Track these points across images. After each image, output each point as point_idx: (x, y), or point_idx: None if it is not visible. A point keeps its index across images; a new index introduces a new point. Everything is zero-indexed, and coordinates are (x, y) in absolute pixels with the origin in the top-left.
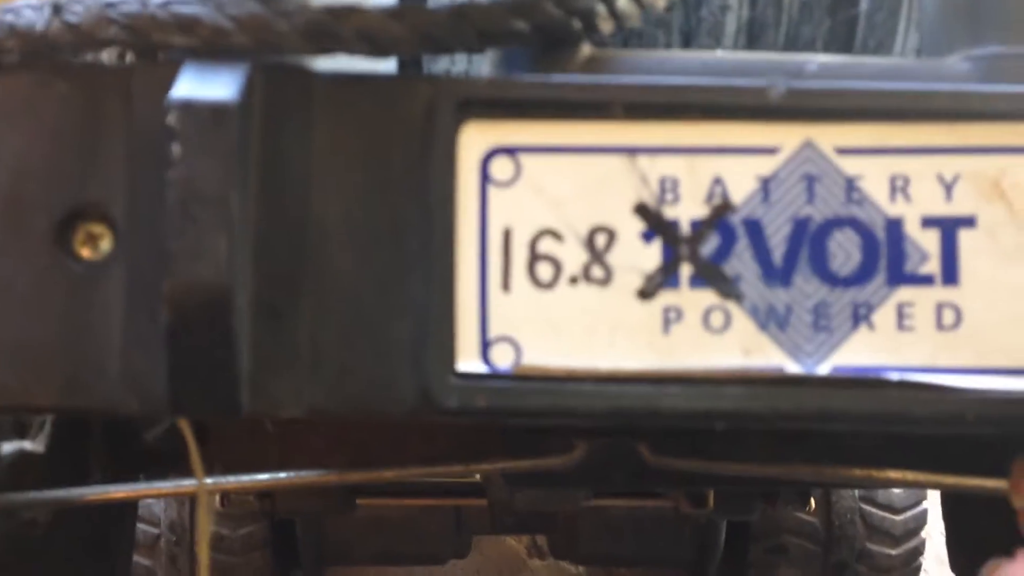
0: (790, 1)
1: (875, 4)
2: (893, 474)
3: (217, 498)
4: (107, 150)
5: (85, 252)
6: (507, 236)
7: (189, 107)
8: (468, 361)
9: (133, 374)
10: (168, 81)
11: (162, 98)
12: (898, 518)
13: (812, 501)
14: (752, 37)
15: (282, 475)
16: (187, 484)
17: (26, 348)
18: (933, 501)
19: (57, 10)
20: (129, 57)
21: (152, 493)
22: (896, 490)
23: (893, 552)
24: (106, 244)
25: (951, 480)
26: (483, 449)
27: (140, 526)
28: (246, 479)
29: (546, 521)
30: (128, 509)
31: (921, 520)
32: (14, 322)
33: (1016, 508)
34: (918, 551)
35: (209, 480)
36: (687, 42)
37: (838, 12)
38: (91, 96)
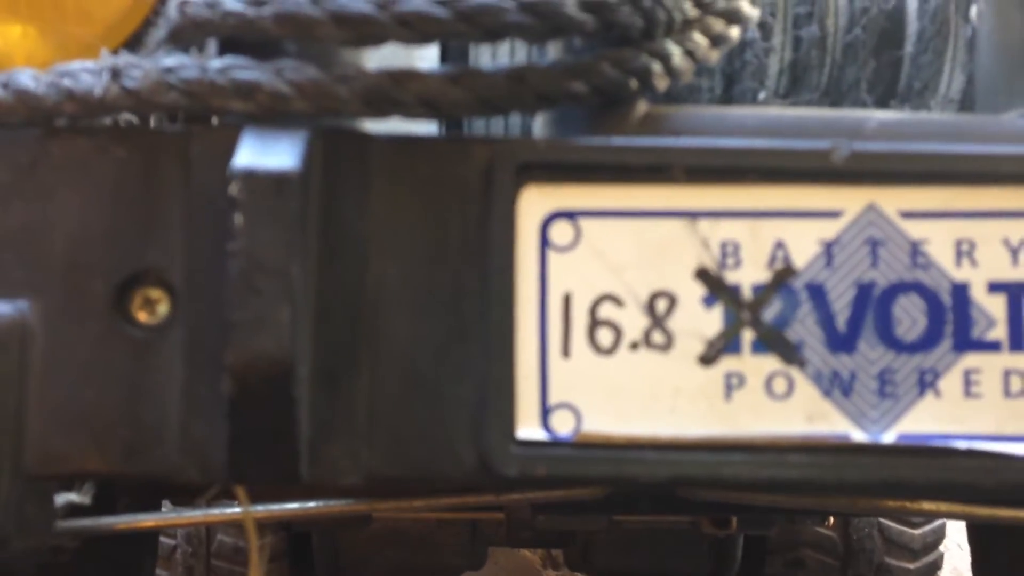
0: (834, 43)
1: (920, 46)
2: (927, 505)
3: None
4: (165, 215)
5: (143, 317)
6: (567, 301)
7: (251, 177)
8: (528, 428)
9: (192, 441)
10: (226, 146)
11: (220, 163)
12: (916, 532)
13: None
14: (795, 79)
15: (322, 503)
16: (232, 512)
17: (85, 414)
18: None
19: (115, 74)
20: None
21: (190, 521)
22: None
23: (911, 566)
24: (164, 308)
25: (985, 511)
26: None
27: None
28: (288, 507)
29: (562, 535)
30: (151, 535)
31: (939, 534)
32: (71, 387)
33: None
34: (936, 565)
35: (258, 508)
36: (730, 84)
37: (882, 54)
38: (149, 160)
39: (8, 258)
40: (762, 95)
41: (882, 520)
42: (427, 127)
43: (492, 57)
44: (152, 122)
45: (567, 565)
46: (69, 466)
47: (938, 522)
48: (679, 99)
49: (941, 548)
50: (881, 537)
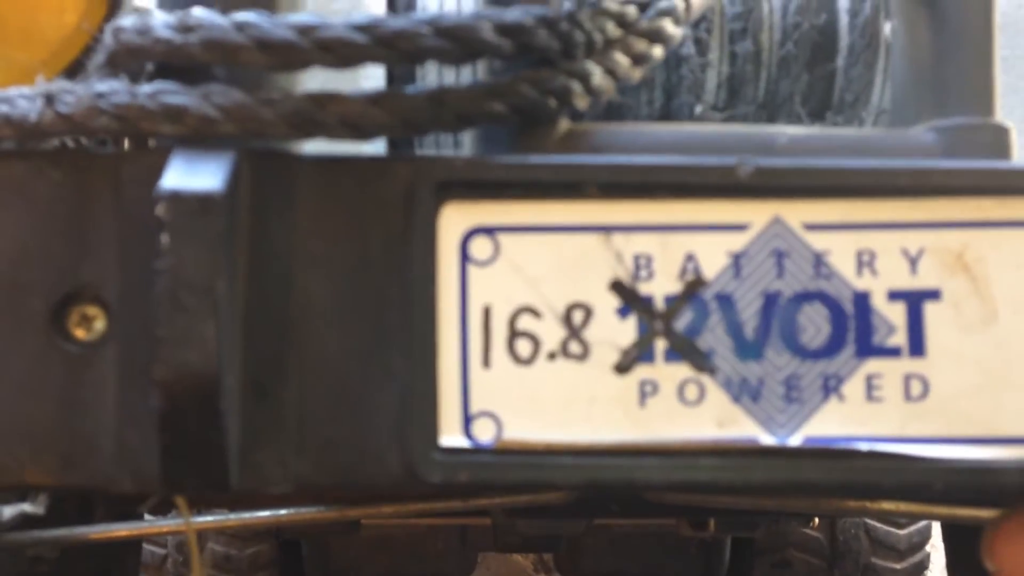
0: (769, 57)
1: (851, 59)
2: (887, 505)
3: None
4: (99, 234)
5: (79, 333)
6: (487, 314)
7: (177, 198)
8: (451, 436)
9: (127, 453)
10: (157, 167)
11: (151, 183)
12: (902, 532)
13: (815, 517)
14: (732, 92)
15: (281, 512)
16: (176, 523)
17: (22, 428)
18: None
19: (50, 100)
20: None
21: (150, 532)
22: None
23: (898, 566)
24: (100, 325)
25: (944, 511)
26: None
27: (147, 547)
28: (238, 517)
29: (550, 540)
30: (132, 545)
31: (925, 534)
32: (10, 402)
33: (990, 572)
34: (923, 565)
35: (197, 519)
36: (669, 98)
37: (815, 67)
38: (83, 182)
39: None
40: (699, 108)
41: (868, 521)
42: (376, 147)
43: (438, 76)
44: (86, 144)
45: (557, 569)
46: (8, 478)
47: (923, 522)
48: (618, 113)
49: (927, 548)
50: (867, 537)
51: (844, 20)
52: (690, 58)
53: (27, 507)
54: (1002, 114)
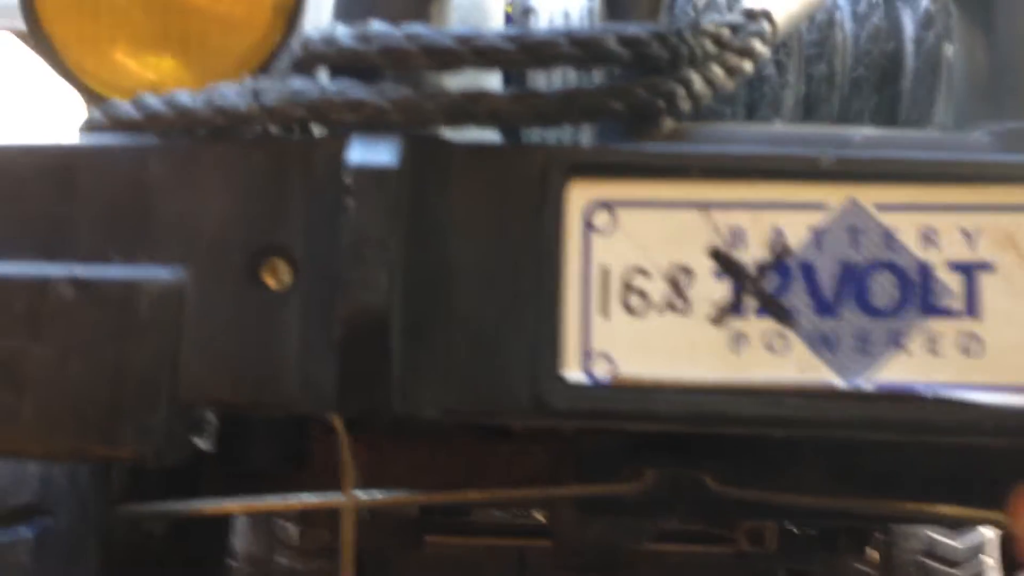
0: (842, 79)
1: (916, 81)
2: (943, 508)
3: (297, 533)
4: (290, 203)
5: (271, 283)
6: (605, 273)
7: (361, 170)
8: (574, 372)
9: (307, 379)
10: (339, 151)
11: (334, 163)
12: (958, 572)
13: (873, 553)
14: (808, 110)
15: (414, 493)
16: (334, 498)
17: (225, 357)
18: (993, 550)
19: (256, 94)
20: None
21: (276, 507)
22: (956, 543)
23: None
24: (287, 277)
25: (997, 516)
26: (558, 478)
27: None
28: (388, 494)
29: (608, 562)
30: (226, 527)
31: (979, 568)
32: (215, 336)
33: (1017, 534)
34: None
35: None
36: (750, 114)
37: (884, 88)
38: (279, 161)
39: (169, 236)
40: (777, 123)
41: (924, 559)
42: (490, 135)
43: (547, 81)
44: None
45: None
46: (211, 396)
47: (978, 559)
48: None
49: None
50: (921, 572)
51: (910, 48)
52: (770, 78)
53: (200, 442)
54: None
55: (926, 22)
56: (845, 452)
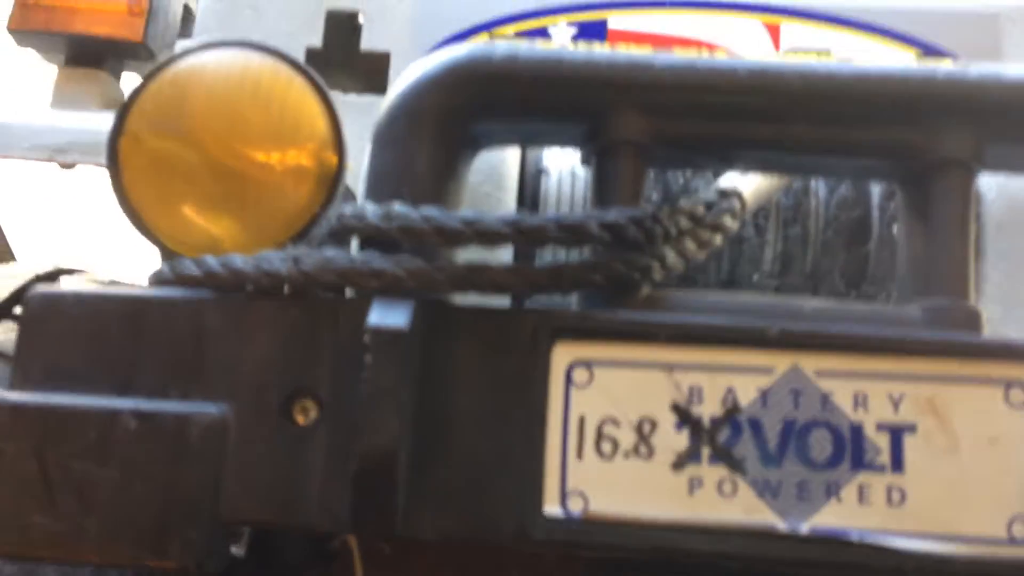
0: (815, 238)
1: (880, 244)
2: None
3: None
4: (319, 353)
5: (300, 419)
6: (582, 421)
7: (378, 331)
8: (552, 507)
9: (327, 504)
10: (362, 310)
11: (358, 321)
12: None
13: None
14: (784, 264)
15: None
16: None
17: (260, 483)
18: None
19: (296, 261)
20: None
21: None
22: None
23: None
24: (314, 414)
25: None
26: None
27: None
28: None
29: None
30: None
31: None
32: (251, 464)
33: None
34: None
35: None
36: (733, 267)
37: (852, 249)
38: (312, 317)
39: (218, 376)
40: (756, 277)
41: None
42: (501, 300)
43: (552, 253)
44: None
45: None
46: (246, 516)
47: None
48: (693, 278)
49: None
50: None
51: (875, 215)
52: (751, 238)
53: (235, 550)
54: None
55: (889, 194)
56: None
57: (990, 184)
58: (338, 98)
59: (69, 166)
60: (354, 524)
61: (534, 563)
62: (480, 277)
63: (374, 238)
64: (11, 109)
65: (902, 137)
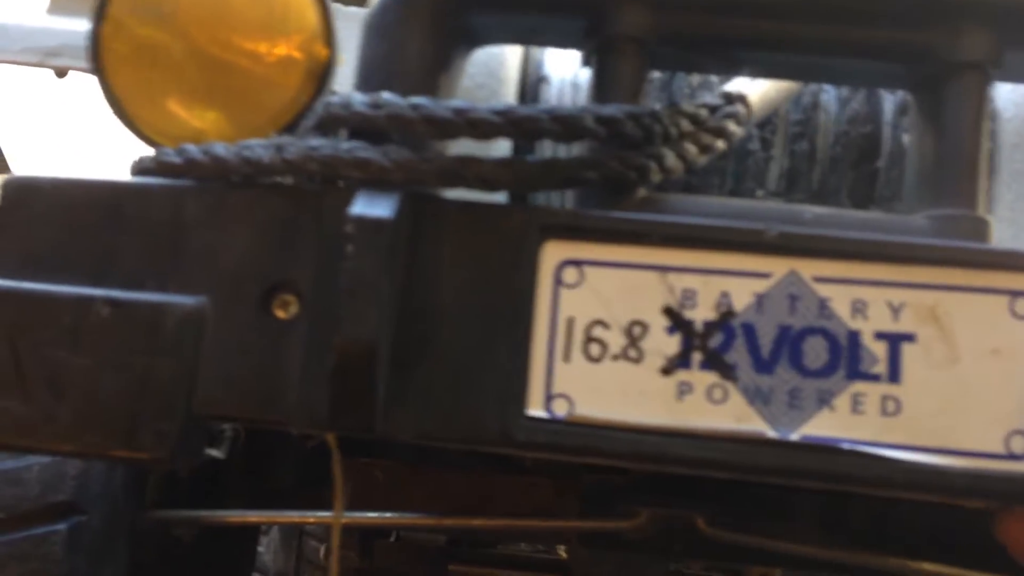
0: (822, 156)
1: (890, 162)
2: (927, 566)
3: (322, 553)
4: (301, 244)
5: (280, 314)
6: (570, 323)
7: (360, 220)
8: (536, 409)
9: (306, 400)
10: (347, 200)
11: (341, 211)
12: None
13: None
14: (790, 182)
15: (400, 515)
16: (324, 515)
17: (236, 377)
18: None
19: (279, 149)
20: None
21: (284, 520)
22: None
23: None
24: (294, 309)
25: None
26: (563, 512)
27: None
28: (373, 515)
29: None
30: (252, 540)
31: None
32: (229, 357)
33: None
34: None
35: (345, 514)
36: (737, 183)
37: (860, 167)
38: (294, 208)
39: (196, 267)
40: (760, 194)
41: None
42: (499, 197)
43: (553, 150)
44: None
45: None
46: (223, 411)
47: None
48: (695, 193)
49: None
50: None
51: (887, 131)
52: (756, 152)
53: (214, 452)
54: None
55: (902, 110)
56: (836, 505)
57: (1007, 103)
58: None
59: (63, 73)
60: (331, 421)
61: (533, 492)
62: (469, 170)
63: (362, 128)
64: (5, 11)
65: (917, 37)
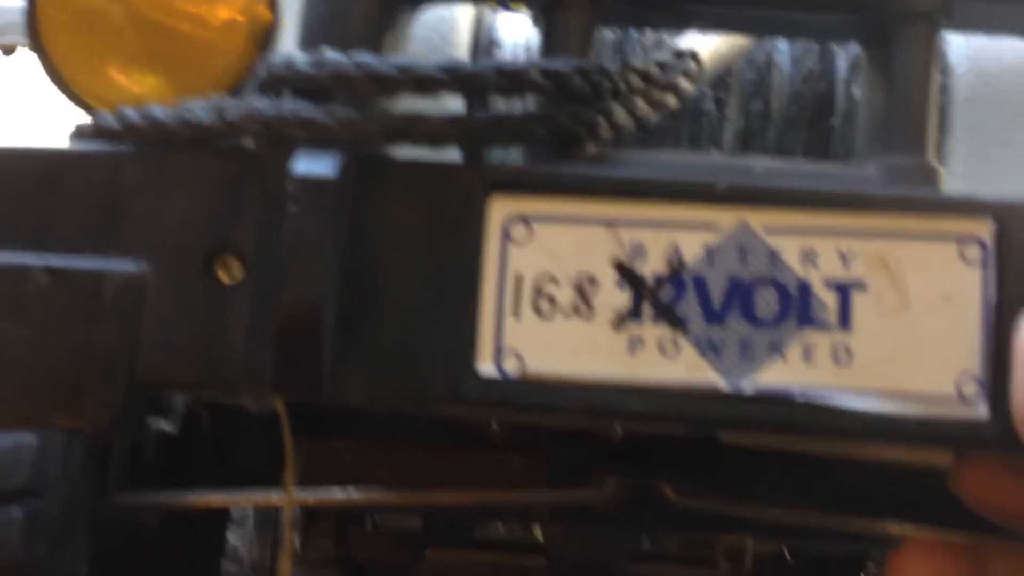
0: (777, 115)
1: (844, 120)
2: (892, 527)
3: (298, 543)
4: (244, 207)
5: (223, 277)
6: (519, 279)
7: (303, 180)
8: (486, 366)
9: (250, 364)
10: (286, 162)
11: (282, 174)
12: None
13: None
14: (745, 142)
15: (364, 493)
16: (275, 496)
17: (179, 343)
18: None
19: (219, 110)
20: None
21: (244, 501)
22: None
23: None
24: (238, 273)
25: (938, 531)
26: (533, 487)
27: (224, 565)
28: (324, 494)
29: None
30: (220, 526)
31: None
32: (171, 323)
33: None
34: None
35: (295, 493)
36: (692, 145)
37: (815, 125)
38: (236, 169)
39: (136, 233)
40: (716, 155)
41: None
42: (453, 158)
43: (507, 107)
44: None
45: None
46: (165, 379)
47: None
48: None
49: None
50: None
51: (840, 89)
52: (710, 113)
53: (164, 425)
54: None
55: (855, 66)
56: (807, 470)
57: (960, 58)
58: None
59: (10, 51)
60: (277, 384)
61: (502, 469)
62: (415, 127)
63: (305, 88)
64: None
65: None
